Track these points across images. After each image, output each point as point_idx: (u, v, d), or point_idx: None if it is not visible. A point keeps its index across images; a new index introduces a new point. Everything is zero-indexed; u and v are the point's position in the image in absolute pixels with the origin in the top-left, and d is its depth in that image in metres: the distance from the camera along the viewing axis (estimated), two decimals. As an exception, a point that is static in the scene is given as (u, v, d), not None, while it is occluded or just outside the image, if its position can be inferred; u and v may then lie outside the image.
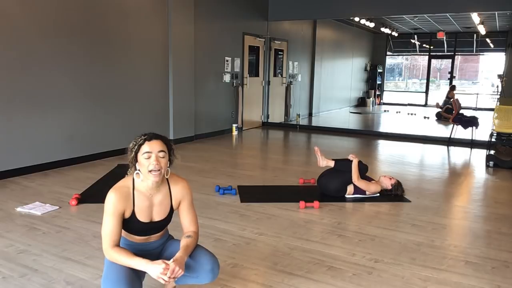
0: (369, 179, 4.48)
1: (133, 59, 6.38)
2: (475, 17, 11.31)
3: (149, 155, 1.98)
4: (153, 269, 1.85)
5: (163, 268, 1.83)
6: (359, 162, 4.39)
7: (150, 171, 1.98)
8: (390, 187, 4.43)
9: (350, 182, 4.36)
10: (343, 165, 4.40)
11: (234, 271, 2.73)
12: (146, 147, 1.98)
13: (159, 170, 1.99)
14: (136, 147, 2.00)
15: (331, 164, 4.43)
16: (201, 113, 7.91)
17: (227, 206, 4.04)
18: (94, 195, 4.29)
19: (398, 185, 4.46)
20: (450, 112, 10.18)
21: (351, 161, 4.38)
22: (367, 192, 4.38)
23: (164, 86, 7.04)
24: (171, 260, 1.89)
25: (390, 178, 4.48)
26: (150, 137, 2.01)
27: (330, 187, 4.39)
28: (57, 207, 3.89)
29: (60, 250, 3.00)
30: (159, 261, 1.87)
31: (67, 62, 5.40)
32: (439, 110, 12.39)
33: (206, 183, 4.81)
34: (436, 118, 12.21)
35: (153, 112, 6.86)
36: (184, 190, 2.16)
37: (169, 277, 1.83)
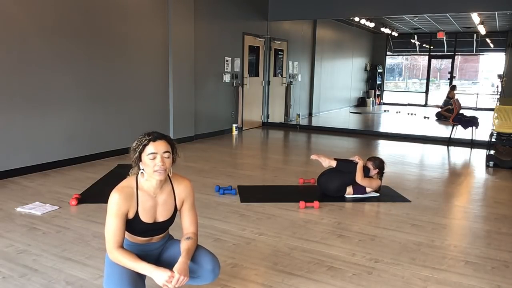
0: (369, 177, 4.49)
1: (133, 59, 6.38)
2: (475, 17, 11.30)
3: (154, 156, 1.96)
4: (159, 276, 1.87)
5: (169, 277, 1.85)
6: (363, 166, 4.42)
7: (155, 171, 1.98)
8: (377, 169, 4.44)
9: (350, 183, 4.38)
10: (345, 166, 4.41)
11: (234, 271, 2.73)
12: (151, 148, 1.96)
13: (164, 170, 1.99)
14: (140, 147, 1.98)
15: (333, 164, 4.44)
16: (201, 113, 7.91)
17: (227, 206, 4.04)
18: (94, 195, 4.29)
19: (377, 162, 4.47)
20: (451, 112, 10.18)
21: (354, 162, 4.39)
22: (367, 189, 4.40)
23: (164, 86, 7.04)
24: (175, 267, 1.91)
25: (366, 165, 4.47)
26: (155, 137, 1.99)
27: (330, 187, 4.39)
28: (57, 207, 3.89)
29: (60, 250, 3.00)
30: (165, 269, 1.89)
31: (67, 62, 5.40)
32: (439, 110, 12.38)
33: (206, 183, 4.81)
34: (436, 118, 12.21)
35: (153, 112, 6.86)
36: (188, 189, 2.16)
37: (174, 286, 1.86)
